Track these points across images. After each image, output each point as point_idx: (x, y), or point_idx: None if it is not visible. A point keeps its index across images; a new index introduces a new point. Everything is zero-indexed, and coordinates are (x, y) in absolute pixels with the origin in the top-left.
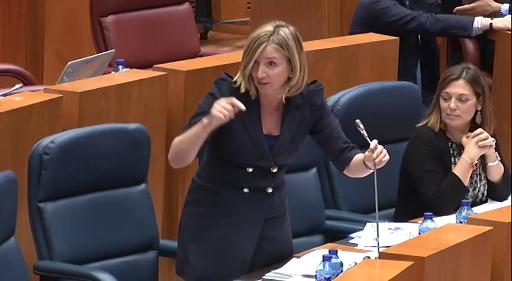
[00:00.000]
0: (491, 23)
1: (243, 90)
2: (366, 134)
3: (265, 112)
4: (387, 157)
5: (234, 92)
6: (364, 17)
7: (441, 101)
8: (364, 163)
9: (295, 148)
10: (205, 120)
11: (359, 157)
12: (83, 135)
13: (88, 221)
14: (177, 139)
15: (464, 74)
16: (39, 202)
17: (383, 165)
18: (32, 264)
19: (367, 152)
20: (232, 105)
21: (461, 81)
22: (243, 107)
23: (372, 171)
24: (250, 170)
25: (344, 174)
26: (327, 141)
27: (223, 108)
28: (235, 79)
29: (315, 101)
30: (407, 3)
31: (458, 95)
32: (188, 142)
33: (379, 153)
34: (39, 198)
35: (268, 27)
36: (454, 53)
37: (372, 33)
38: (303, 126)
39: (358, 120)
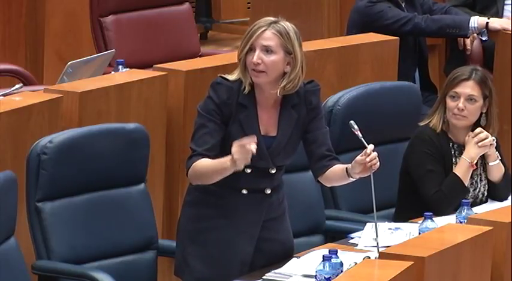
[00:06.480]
0: (487, 23)
1: (242, 80)
2: (360, 134)
3: (262, 110)
4: (378, 164)
5: (232, 94)
6: (360, 21)
7: (448, 100)
8: (347, 172)
9: (292, 148)
10: (230, 163)
11: (340, 166)
12: (81, 135)
13: (86, 221)
14: (199, 165)
15: (474, 75)
16: (37, 201)
17: (372, 172)
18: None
19: (359, 156)
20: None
21: (471, 82)
22: (253, 149)
23: (351, 181)
24: (249, 171)
25: (318, 181)
26: (311, 143)
27: (242, 152)
28: (233, 78)
29: (311, 101)
30: (403, 5)
31: (468, 96)
32: (212, 174)
33: (372, 158)
34: (37, 198)
35: (270, 18)
36: (453, 50)
37: (371, 33)
38: (299, 125)
39: (352, 122)
